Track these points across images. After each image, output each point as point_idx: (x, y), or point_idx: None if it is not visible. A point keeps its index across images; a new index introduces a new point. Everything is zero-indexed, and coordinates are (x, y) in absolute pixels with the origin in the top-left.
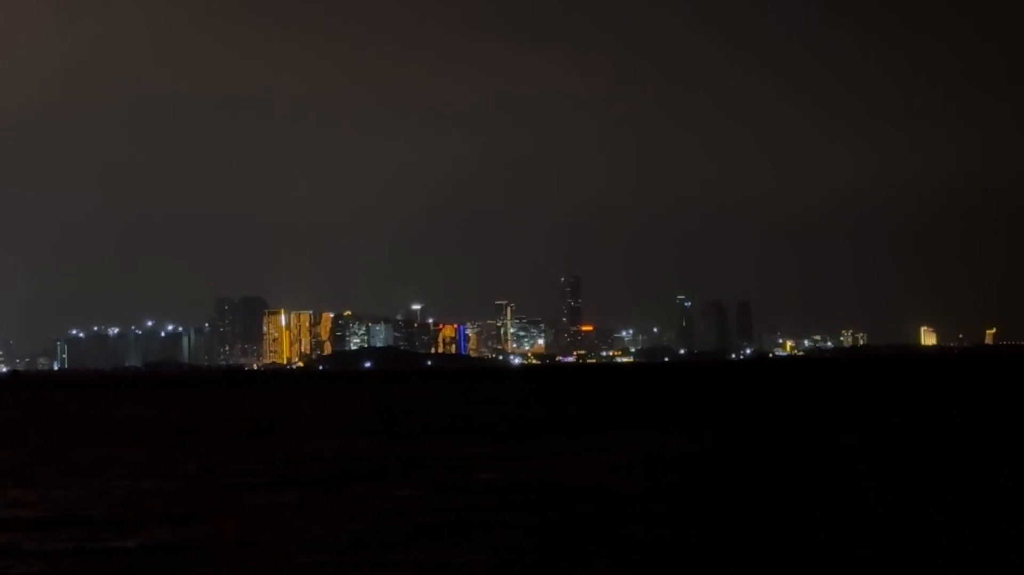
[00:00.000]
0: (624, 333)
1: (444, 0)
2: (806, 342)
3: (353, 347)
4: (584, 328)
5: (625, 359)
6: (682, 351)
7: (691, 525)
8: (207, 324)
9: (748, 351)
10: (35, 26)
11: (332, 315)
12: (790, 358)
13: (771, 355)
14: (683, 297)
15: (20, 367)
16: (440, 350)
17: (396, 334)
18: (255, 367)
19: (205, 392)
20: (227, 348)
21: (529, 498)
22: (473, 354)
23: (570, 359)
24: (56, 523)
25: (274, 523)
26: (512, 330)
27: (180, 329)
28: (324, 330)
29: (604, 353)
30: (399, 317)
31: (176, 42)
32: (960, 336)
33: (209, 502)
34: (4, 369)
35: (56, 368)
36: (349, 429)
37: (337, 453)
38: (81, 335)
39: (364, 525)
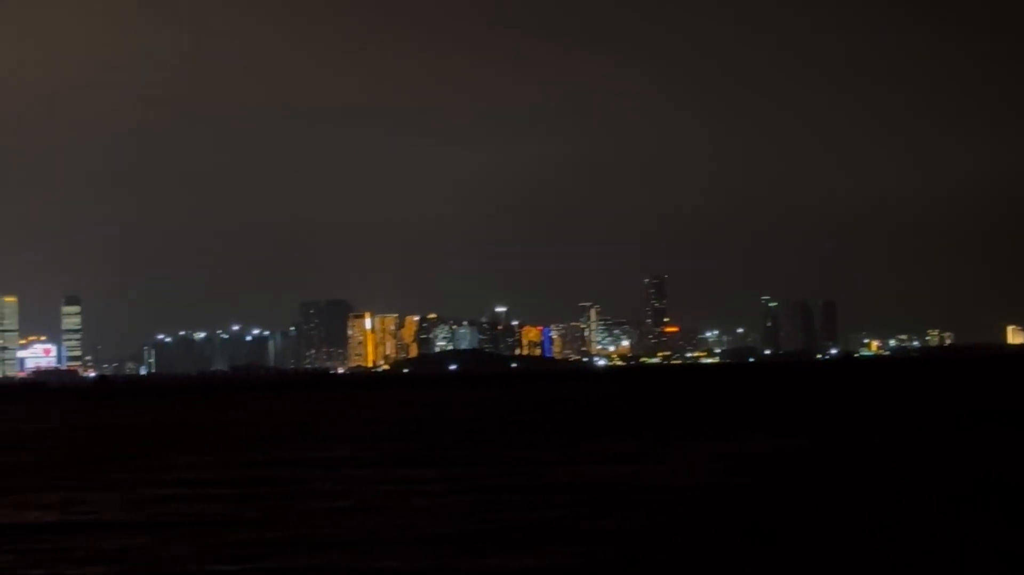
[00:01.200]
0: (709, 334)
1: (521, 6)
2: (892, 342)
3: (438, 350)
4: (669, 329)
5: (710, 360)
6: (767, 352)
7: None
8: (293, 328)
9: (833, 351)
10: (132, 40)
11: (417, 318)
12: (876, 358)
13: (856, 355)
14: (768, 297)
15: (108, 372)
16: (525, 352)
17: (481, 336)
18: (340, 370)
19: (294, 395)
20: (312, 352)
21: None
22: (557, 356)
23: (655, 360)
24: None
25: (360, 522)
26: (596, 332)
27: (266, 333)
28: (409, 333)
29: (688, 354)
30: (484, 319)
31: (265, 52)
32: None
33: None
34: (92, 374)
35: (144, 373)
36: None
37: (431, 452)
38: (168, 340)
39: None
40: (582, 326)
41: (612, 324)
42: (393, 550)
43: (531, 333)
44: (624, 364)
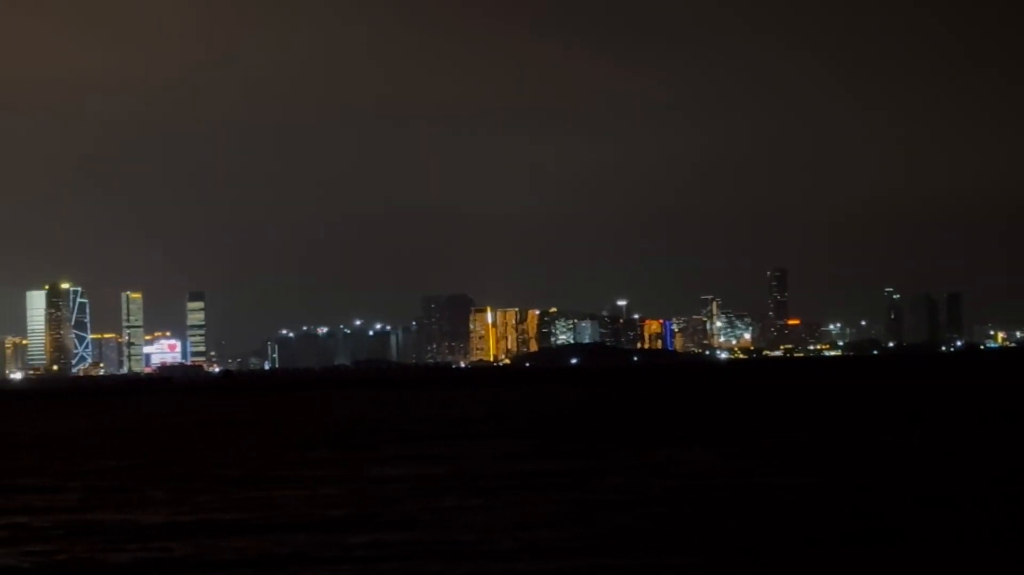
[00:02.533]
0: (832, 326)
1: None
2: (1018, 333)
3: (559, 344)
4: (791, 322)
5: (833, 353)
6: (890, 344)
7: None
8: (414, 323)
9: (958, 343)
10: (238, 35)
11: (538, 312)
12: (1002, 350)
13: (982, 347)
14: (891, 289)
15: (232, 367)
16: (646, 346)
17: (602, 330)
18: (462, 365)
19: (415, 390)
20: (434, 346)
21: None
22: (679, 350)
23: (777, 353)
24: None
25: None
26: (718, 325)
27: (388, 328)
28: (530, 327)
29: (811, 347)
30: (605, 313)
31: (375, 47)
32: None
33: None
34: (217, 369)
35: (267, 368)
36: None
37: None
38: (291, 335)
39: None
40: (704, 319)
41: (734, 317)
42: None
43: (652, 326)
44: (746, 357)
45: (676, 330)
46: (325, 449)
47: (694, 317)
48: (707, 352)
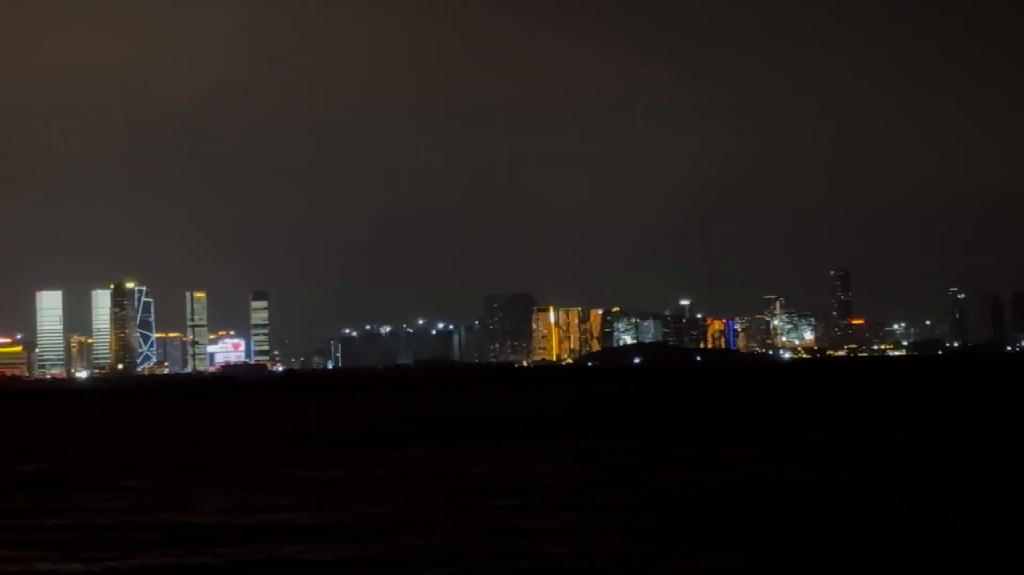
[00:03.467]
0: (896, 326)
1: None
2: None
3: (622, 343)
4: (855, 321)
5: (897, 352)
6: (955, 344)
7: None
8: (477, 322)
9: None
10: (309, 32)
11: (601, 311)
12: None
13: None
14: (955, 289)
15: (295, 366)
16: (709, 345)
17: (665, 330)
18: (525, 364)
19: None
20: (497, 345)
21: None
22: (742, 349)
23: (840, 353)
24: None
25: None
26: (782, 324)
27: (451, 327)
28: (593, 326)
29: (875, 346)
30: (668, 312)
31: (450, 45)
32: None
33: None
34: (280, 368)
35: (330, 367)
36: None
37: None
38: (354, 334)
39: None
40: (767, 318)
41: (797, 316)
42: None
43: (715, 326)
44: (809, 357)
45: (739, 329)
46: (377, 449)
47: (757, 316)
48: (770, 352)
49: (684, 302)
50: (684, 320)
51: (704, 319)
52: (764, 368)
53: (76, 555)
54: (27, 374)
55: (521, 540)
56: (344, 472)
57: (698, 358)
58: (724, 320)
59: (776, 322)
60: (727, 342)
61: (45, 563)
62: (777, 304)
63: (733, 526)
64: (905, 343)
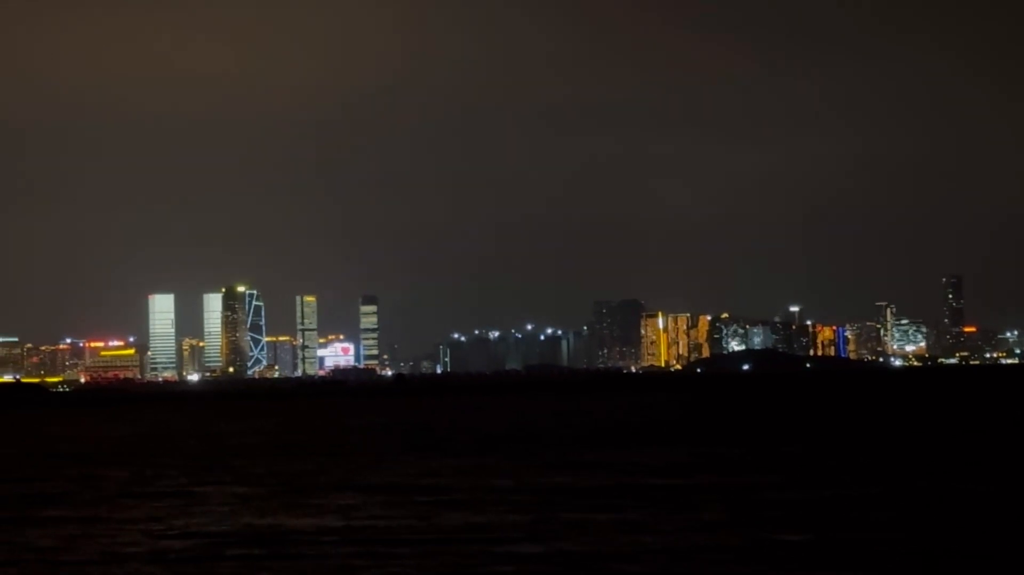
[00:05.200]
0: (1008, 334)
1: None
2: None
3: (731, 350)
4: (967, 329)
5: (1010, 361)
6: None
7: None
8: (586, 327)
9: None
10: (425, 43)
11: (709, 318)
12: None
13: None
14: None
15: (404, 370)
16: (819, 352)
17: (774, 336)
18: (633, 370)
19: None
20: (605, 351)
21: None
22: (852, 356)
23: (952, 361)
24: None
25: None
26: (892, 331)
27: (559, 332)
28: (702, 332)
29: (987, 354)
30: (777, 319)
31: (552, 54)
32: None
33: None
34: (389, 372)
35: (439, 371)
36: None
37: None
38: (463, 339)
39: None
40: (877, 326)
41: (908, 324)
42: None
43: (825, 332)
44: (920, 365)
45: (849, 336)
46: (484, 455)
47: (868, 323)
48: (880, 359)
49: (794, 308)
50: (794, 327)
51: (814, 326)
52: (875, 376)
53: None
54: (139, 377)
55: None
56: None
57: (807, 365)
58: (834, 327)
59: (887, 329)
60: (837, 349)
61: None
62: (888, 311)
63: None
64: (1018, 351)
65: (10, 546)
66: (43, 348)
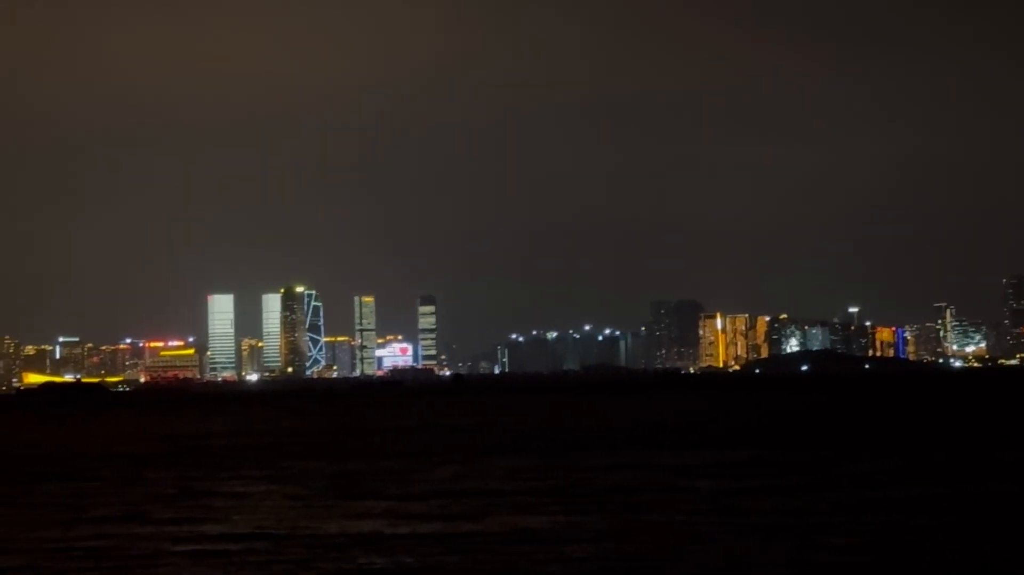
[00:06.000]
0: None
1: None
2: None
3: (789, 350)
4: None
5: None
6: None
7: None
8: (643, 328)
9: None
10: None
11: (768, 318)
12: None
13: None
14: None
15: (462, 371)
16: (878, 353)
17: (833, 337)
18: (691, 371)
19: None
20: (663, 352)
21: None
22: (911, 357)
23: (1013, 362)
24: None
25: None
26: (952, 333)
27: (617, 333)
28: (760, 333)
29: None
30: (836, 320)
31: (618, 48)
32: None
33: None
34: (447, 372)
35: (497, 372)
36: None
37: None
38: (521, 340)
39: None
40: (937, 327)
41: (968, 325)
42: None
43: (884, 334)
44: (980, 366)
45: (908, 337)
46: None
47: (927, 324)
48: (940, 360)
49: (852, 309)
50: (852, 328)
51: (872, 327)
52: (934, 377)
53: None
54: (199, 377)
55: None
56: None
57: (866, 366)
58: (893, 328)
59: (946, 331)
60: (896, 351)
61: None
62: (948, 312)
63: None
64: None
65: (59, 543)
66: (104, 348)
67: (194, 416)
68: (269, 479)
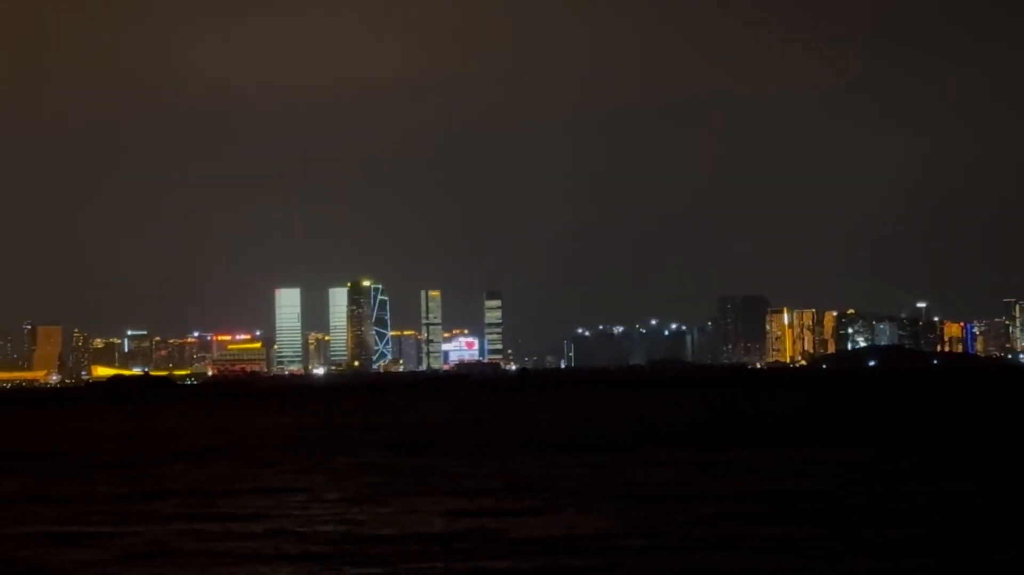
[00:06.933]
0: None
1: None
2: None
3: (856, 346)
4: None
5: None
6: None
7: None
8: (710, 323)
9: None
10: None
11: (835, 313)
12: None
13: None
14: None
15: (528, 365)
16: (946, 349)
17: (901, 332)
18: (758, 366)
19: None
20: (730, 347)
21: None
22: (980, 353)
23: None
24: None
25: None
26: (1021, 328)
27: (683, 328)
28: (827, 328)
29: None
30: (903, 315)
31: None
32: None
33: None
34: (513, 367)
35: (563, 366)
36: None
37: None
38: (587, 334)
39: None
40: (1006, 322)
41: None
42: None
43: (952, 329)
44: None
45: (977, 333)
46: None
47: (996, 320)
48: (1009, 356)
49: (921, 305)
50: (920, 323)
51: (941, 322)
52: (1005, 373)
53: None
54: (266, 370)
55: None
56: None
57: (935, 362)
58: (962, 324)
59: (1016, 327)
60: (965, 346)
61: None
62: (1017, 308)
63: None
64: None
65: (122, 539)
66: (171, 341)
67: (260, 409)
68: (324, 474)
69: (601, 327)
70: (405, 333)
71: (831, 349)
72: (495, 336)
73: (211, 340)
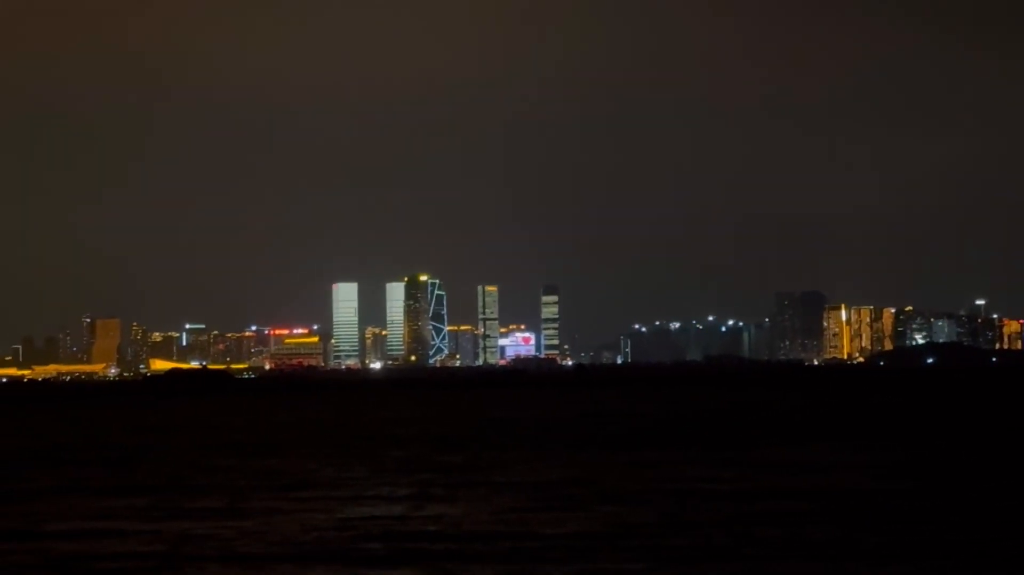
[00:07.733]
0: None
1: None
2: None
3: (914, 343)
4: None
5: None
6: None
7: None
8: (767, 319)
9: None
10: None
11: (893, 310)
12: None
13: None
14: None
15: (585, 361)
16: (1005, 346)
17: (959, 330)
18: (815, 362)
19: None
20: (787, 343)
21: None
22: None
23: None
24: None
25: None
26: None
27: (740, 324)
28: (885, 325)
29: None
30: (962, 312)
31: (727, 42)
32: None
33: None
34: (570, 362)
35: (619, 362)
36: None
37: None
38: (643, 329)
39: None
40: None
41: None
42: None
43: (1012, 326)
44: None
45: None
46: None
47: None
48: None
49: (980, 302)
50: (979, 320)
51: (1000, 319)
52: None
53: None
54: (323, 364)
55: None
56: None
57: (993, 359)
58: (1020, 321)
59: None
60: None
61: None
62: None
63: None
64: None
65: (166, 534)
66: (229, 335)
67: (316, 403)
68: (369, 467)
69: (658, 323)
70: (462, 328)
71: (889, 346)
72: (551, 331)
73: (268, 334)
